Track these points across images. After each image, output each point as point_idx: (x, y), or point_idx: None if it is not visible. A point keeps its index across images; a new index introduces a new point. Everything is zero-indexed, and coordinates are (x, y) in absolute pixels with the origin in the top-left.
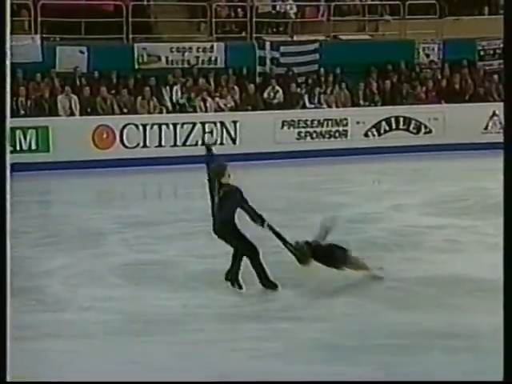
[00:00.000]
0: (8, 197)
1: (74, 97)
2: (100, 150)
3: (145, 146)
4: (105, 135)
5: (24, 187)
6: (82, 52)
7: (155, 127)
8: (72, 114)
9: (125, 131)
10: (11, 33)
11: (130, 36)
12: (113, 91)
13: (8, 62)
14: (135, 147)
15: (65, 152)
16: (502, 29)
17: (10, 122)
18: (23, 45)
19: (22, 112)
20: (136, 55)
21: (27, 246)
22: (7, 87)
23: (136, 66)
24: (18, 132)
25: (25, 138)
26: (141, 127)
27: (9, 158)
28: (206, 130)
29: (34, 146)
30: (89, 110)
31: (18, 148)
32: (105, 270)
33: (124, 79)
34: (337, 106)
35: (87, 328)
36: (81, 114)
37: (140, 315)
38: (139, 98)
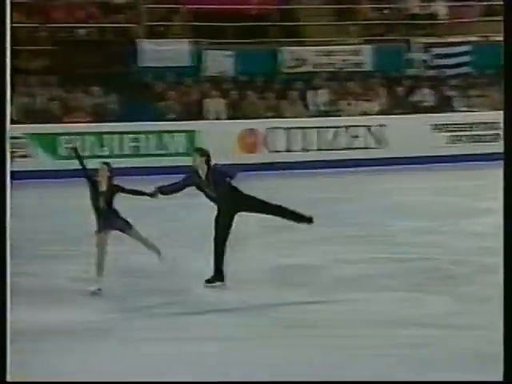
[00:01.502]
0: (8, 200)
1: (221, 100)
2: (245, 154)
3: (289, 149)
4: (250, 139)
5: None
6: (229, 56)
7: (300, 131)
8: (219, 117)
9: (270, 135)
10: (163, 37)
11: (277, 40)
12: (259, 95)
13: (8, 67)
14: (280, 151)
15: (211, 155)
16: None
17: (158, 126)
18: (173, 49)
19: (171, 116)
20: (282, 59)
21: (171, 246)
22: (8, 93)
23: (282, 70)
24: (166, 135)
25: (173, 142)
26: (286, 131)
27: (9, 164)
28: (352, 134)
29: (181, 150)
30: (235, 113)
31: (166, 151)
32: (248, 273)
33: (270, 83)
34: (490, 109)
35: (230, 331)
36: (227, 118)
37: (283, 319)
38: (285, 101)
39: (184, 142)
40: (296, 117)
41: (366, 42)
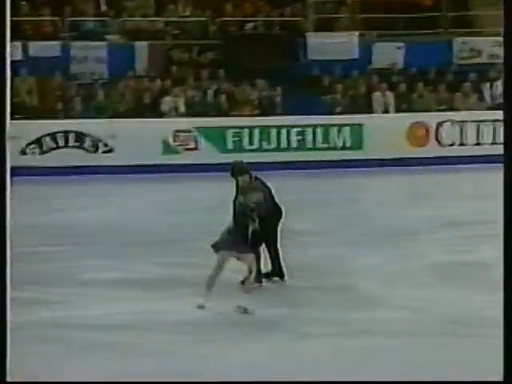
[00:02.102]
0: (8, 197)
1: (390, 93)
2: (414, 148)
3: (462, 143)
4: (420, 132)
5: (334, 185)
6: (399, 48)
7: (473, 124)
8: (387, 111)
9: (441, 128)
10: (330, 30)
11: (450, 30)
12: (430, 87)
13: (8, 64)
14: (452, 145)
15: (378, 149)
16: None
17: (325, 120)
18: (341, 42)
19: (338, 109)
20: (455, 50)
21: (339, 243)
22: (7, 88)
23: (455, 61)
24: (333, 129)
25: (339, 136)
26: (458, 124)
27: (9, 160)
28: None
29: (348, 144)
30: (404, 106)
31: (332, 145)
32: (416, 269)
33: (442, 75)
34: None
35: (400, 327)
36: (396, 111)
37: (451, 316)
38: (457, 94)
39: (351, 136)
40: (469, 110)
41: None
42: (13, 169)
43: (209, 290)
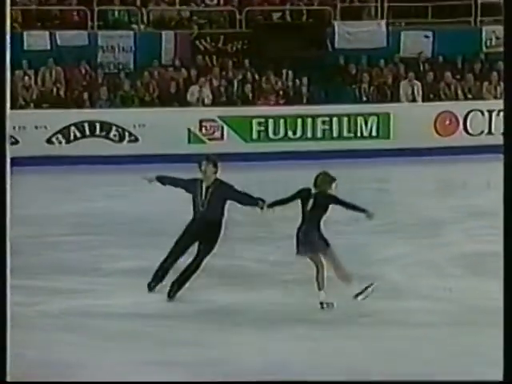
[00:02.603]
0: (8, 192)
1: (417, 83)
2: (442, 137)
3: (490, 133)
4: (447, 122)
5: (362, 174)
6: (427, 36)
7: (501, 114)
8: (414, 100)
9: (469, 118)
10: (358, 19)
11: (478, 19)
12: (457, 76)
13: (8, 61)
14: (480, 134)
15: (405, 139)
16: None
17: (351, 109)
18: (368, 31)
19: (365, 98)
20: (484, 38)
21: (364, 233)
22: (7, 84)
23: (484, 50)
24: (359, 118)
25: (366, 125)
26: (486, 113)
27: (8, 153)
28: None
29: (374, 133)
30: (431, 96)
31: (358, 135)
32: (443, 259)
33: (470, 64)
34: None
35: (425, 317)
36: (423, 101)
37: (479, 307)
38: (485, 83)
39: (378, 126)
40: (497, 98)
41: None
42: (38, 158)
43: (319, 289)
